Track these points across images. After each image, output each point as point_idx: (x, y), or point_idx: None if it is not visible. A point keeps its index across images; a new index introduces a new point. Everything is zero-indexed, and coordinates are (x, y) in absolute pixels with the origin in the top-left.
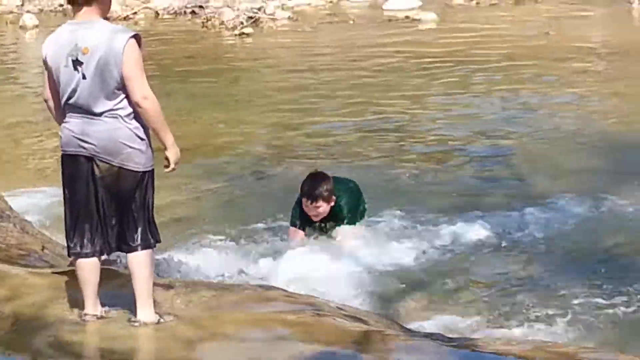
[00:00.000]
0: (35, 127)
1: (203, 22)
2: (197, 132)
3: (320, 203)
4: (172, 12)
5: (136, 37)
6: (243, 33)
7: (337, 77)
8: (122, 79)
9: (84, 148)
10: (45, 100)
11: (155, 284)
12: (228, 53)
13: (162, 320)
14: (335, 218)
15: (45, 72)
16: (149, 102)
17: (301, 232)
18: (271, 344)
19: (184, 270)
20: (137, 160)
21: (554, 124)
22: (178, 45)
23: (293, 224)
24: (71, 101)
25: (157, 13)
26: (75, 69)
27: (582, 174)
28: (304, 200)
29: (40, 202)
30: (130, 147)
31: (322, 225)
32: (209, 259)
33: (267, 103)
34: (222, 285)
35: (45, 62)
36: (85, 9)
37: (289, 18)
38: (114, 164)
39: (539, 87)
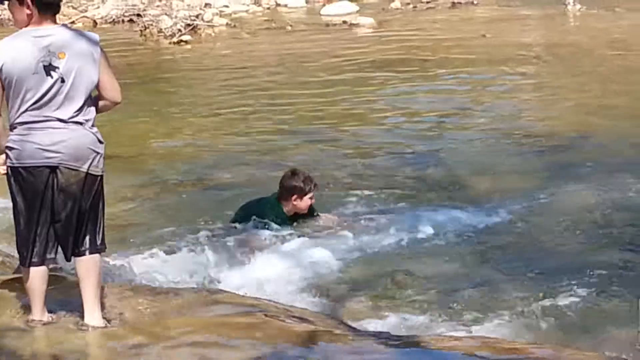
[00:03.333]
0: None
1: (141, 31)
2: (136, 140)
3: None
4: (109, 20)
5: None
6: (181, 41)
7: (275, 82)
8: (98, 81)
9: (49, 158)
10: None
11: (104, 289)
12: (166, 61)
13: (109, 325)
14: (311, 212)
15: None
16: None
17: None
18: (217, 347)
19: (130, 276)
20: (99, 164)
21: (489, 125)
22: (116, 53)
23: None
24: (37, 106)
25: (94, 22)
26: (48, 74)
27: (518, 173)
28: (309, 193)
29: None
30: (96, 151)
31: (300, 220)
32: (154, 265)
33: (206, 110)
34: (168, 290)
35: (0, 71)
36: (50, 17)
37: (227, 25)
38: (81, 170)
39: (474, 89)
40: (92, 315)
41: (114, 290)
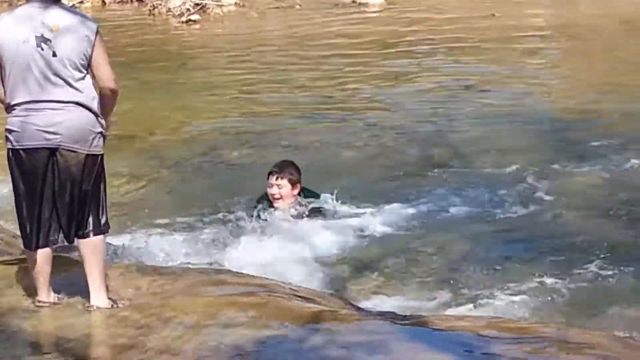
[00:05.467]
0: None
1: (150, 10)
2: (145, 120)
3: (284, 182)
4: (118, 0)
5: None
6: (190, 20)
7: (284, 62)
8: (91, 61)
9: (48, 140)
10: None
11: (110, 269)
12: (175, 40)
13: (115, 305)
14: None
15: None
16: (117, 87)
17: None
18: (224, 326)
19: (135, 257)
20: (99, 143)
21: (498, 104)
22: (125, 34)
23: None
24: (30, 85)
25: (103, 2)
26: (39, 45)
27: (527, 152)
28: (269, 176)
29: None
30: (95, 132)
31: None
32: (160, 245)
33: (215, 89)
34: (174, 270)
35: None
36: None
37: (235, 4)
38: (81, 151)
39: (483, 68)
40: (98, 297)
41: (120, 271)
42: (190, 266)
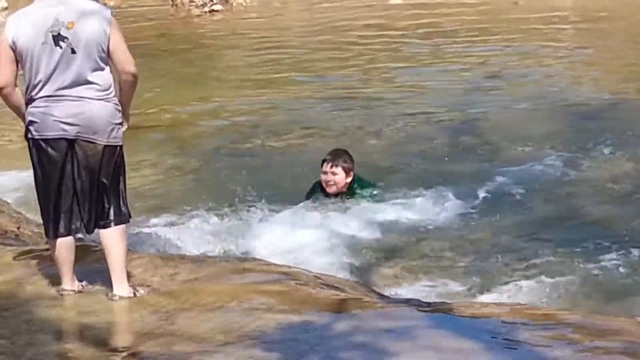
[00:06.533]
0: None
1: (172, 1)
2: (169, 110)
3: (339, 170)
4: None
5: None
6: (213, 10)
7: (307, 52)
8: (108, 51)
9: (66, 131)
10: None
11: (133, 259)
12: (198, 31)
13: (137, 293)
14: (351, 194)
15: (5, 56)
16: (136, 70)
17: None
18: (248, 313)
19: (161, 245)
20: (118, 134)
21: (521, 92)
22: (147, 24)
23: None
24: (50, 80)
25: None
26: (57, 44)
27: (552, 140)
28: (324, 165)
29: (14, 182)
30: (114, 123)
31: (338, 199)
32: (186, 234)
33: (238, 80)
34: (199, 258)
35: (13, 44)
36: None
37: None
38: (99, 142)
39: (505, 56)
40: (121, 286)
41: (144, 260)
42: (215, 254)
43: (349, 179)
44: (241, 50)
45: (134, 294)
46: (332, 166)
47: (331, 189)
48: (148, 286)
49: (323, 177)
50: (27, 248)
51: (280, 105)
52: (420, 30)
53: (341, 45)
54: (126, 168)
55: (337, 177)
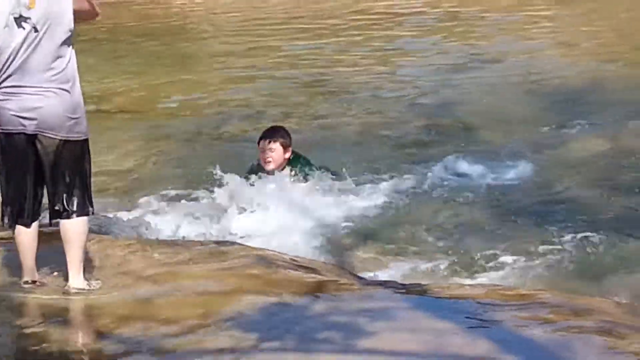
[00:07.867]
0: None
1: None
2: (147, 94)
3: (276, 145)
4: None
5: None
6: None
7: (288, 36)
8: (71, 28)
9: (25, 126)
10: None
11: (112, 244)
12: (178, 14)
13: (90, 286)
14: (297, 172)
15: None
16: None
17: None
18: (226, 296)
19: (137, 229)
20: (79, 129)
21: (501, 73)
22: (127, 7)
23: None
24: (12, 64)
25: None
26: (20, 25)
27: (529, 121)
28: (261, 142)
29: None
30: (73, 118)
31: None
32: (163, 218)
33: (217, 63)
34: (177, 242)
35: None
36: None
37: None
38: (58, 137)
39: (486, 37)
40: (77, 279)
41: (121, 244)
42: (193, 238)
43: (287, 155)
44: (220, 35)
45: (87, 285)
46: (269, 142)
47: (268, 166)
48: (98, 279)
49: (261, 154)
50: None
51: (258, 91)
52: (400, 18)
53: (324, 30)
54: (92, 159)
55: (275, 153)
